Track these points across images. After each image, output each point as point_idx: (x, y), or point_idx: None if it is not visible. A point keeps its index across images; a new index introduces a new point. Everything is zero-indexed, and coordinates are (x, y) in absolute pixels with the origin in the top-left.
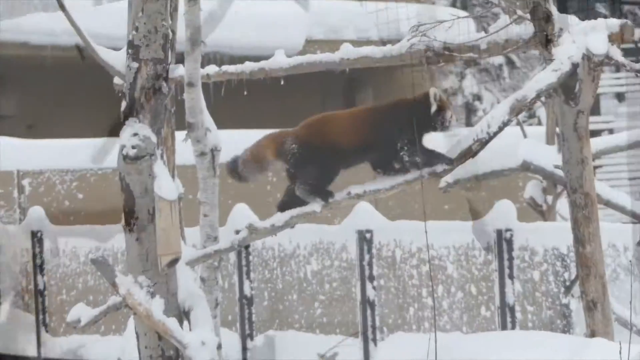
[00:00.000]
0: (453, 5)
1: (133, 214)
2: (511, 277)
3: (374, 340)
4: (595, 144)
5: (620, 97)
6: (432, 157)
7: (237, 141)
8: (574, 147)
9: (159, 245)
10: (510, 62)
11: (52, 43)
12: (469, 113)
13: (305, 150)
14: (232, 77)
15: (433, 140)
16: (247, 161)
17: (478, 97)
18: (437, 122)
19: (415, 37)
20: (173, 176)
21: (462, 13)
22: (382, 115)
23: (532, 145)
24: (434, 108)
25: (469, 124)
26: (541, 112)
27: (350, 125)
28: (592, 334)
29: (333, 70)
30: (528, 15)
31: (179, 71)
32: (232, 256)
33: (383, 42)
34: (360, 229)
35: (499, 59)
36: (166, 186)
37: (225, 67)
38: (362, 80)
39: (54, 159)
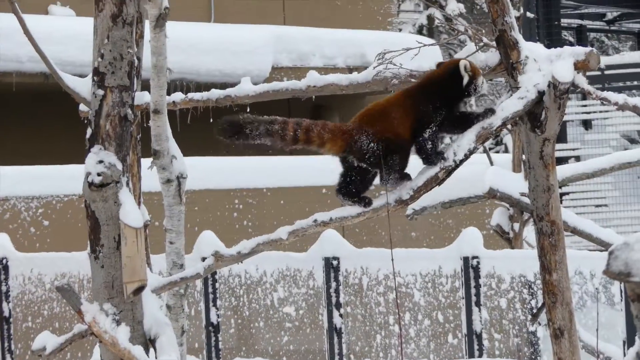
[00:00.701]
0: (419, 32)
1: (98, 241)
2: (478, 304)
3: None
4: (562, 171)
5: (586, 124)
6: (479, 114)
7: (203, 169)
8: (540, 174)
9: (124, 272)
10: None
11: (16, 70)
12: None
13: (385, 145)
14: (198, 104)
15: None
16: (275, 134)
17: None
18: (470, 90)
19: (381, 65)
20: (139, 203)
21: (429, 40)
22: (419, 97)
23: (498, 173)
24: (466, 80)
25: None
26: (508, 139)
27: (401, 113)
28: None
29: (299, 97)
30: (494, 43)
31: (145, 98)
32: (199, 283)
33: (349, 70)
34: (327, 256)
35: None
36: (132, 213)
37: (191, 95)
38: (329, 107)
39: (19, 186)
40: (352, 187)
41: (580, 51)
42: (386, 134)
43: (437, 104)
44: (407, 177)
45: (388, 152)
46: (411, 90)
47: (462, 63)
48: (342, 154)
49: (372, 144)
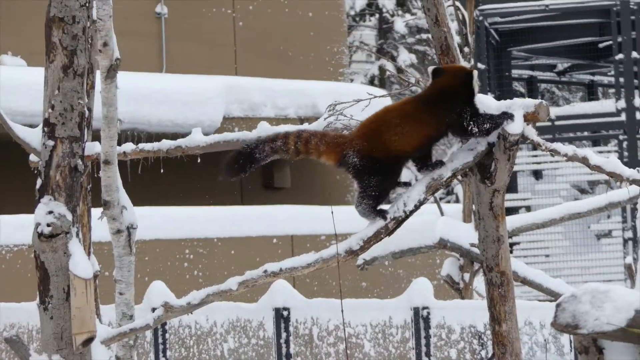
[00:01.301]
0: (371, 82)
1: (48, 292)
2: (428, 355)
3: None
4: (513, 221)
5: (537, 174)
6: (496, 118)
7: (154, 219)
8: (489, 225)
9: (73, 323)
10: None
11: None
12: None
13: (370, 163)
14: (149, 154)
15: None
16: (280, 150)
17: None
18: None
19: (332, 116)
20: (89, 253)
21: (380, 91)
22: (435, 106)
23: (449, 223)
24: (477, 90)
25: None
26: (459, 189)
27: (410, 127)
28: None
29: None
30: None
31: (95, 149)
32: (149, 334)
33: (301, 120)
34: (277, 306)
35: None
36: (81, 264)
37: (142, 145)
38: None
39: None
40: (368, 200)
41: (530, 103)
42: (372, 152)
43: (457, 111)
44: (380, 213)
45: (369, 171)
46: (427, 100)
47: (475, 73)
48: (339, 166)
49: (356, 159)
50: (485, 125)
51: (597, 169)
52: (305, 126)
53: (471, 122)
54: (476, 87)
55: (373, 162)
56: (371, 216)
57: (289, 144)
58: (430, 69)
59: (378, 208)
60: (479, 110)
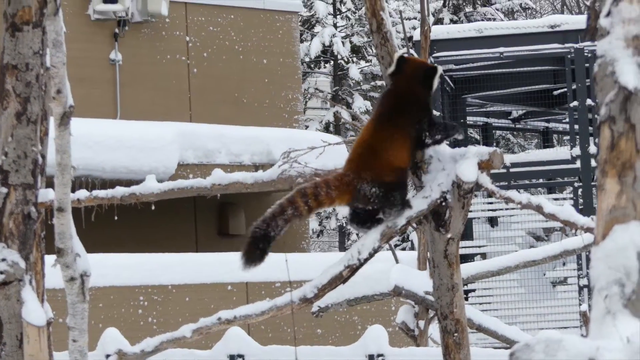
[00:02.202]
0: (326, 129)
1: (1, 339)
2: None
3: None
4: (468, 269)
5: (492, 221)
6: (449, 128)
7: (108, 265)
8: (444, 273)
9: None
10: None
11: None
12: (342, 236)
13: (386, 188)
14: (103, 201)
15: None
16: (293, 216)
17: None
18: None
19: (286, 164)
20: (42, 301)
21: (334, 139)
22: (407, 117)
23: (403, 270)
24: (436, 85)
25: (342, 248)
26: (414, 235)
27: (396, 144)
28: None
29: (205, 195)
30: None
31: (49, 196)
32: None
33: (256, 167)
34: (231, 353)
35: None
36: (35, 312)
37: (96, 192)
38: (235, 203)
39: None
40: (364, 216)
41: (484, 151)
42: (385, 178)
43: (420, 119)
44: (408, 204)
45: (390, 192)
46: (392, 111)
47: (439, 69)
48: (351, 204)
49: (374, 189)
50: (437, 136)
51: (552, 217)
52: (301, 184)
53: (427, 131)
54: (434, 85)
55: (387, 184)
56: (402, 213)
57: (300, 208)
58: (396, 55)
59: (404, 204)
60: (434, 119)
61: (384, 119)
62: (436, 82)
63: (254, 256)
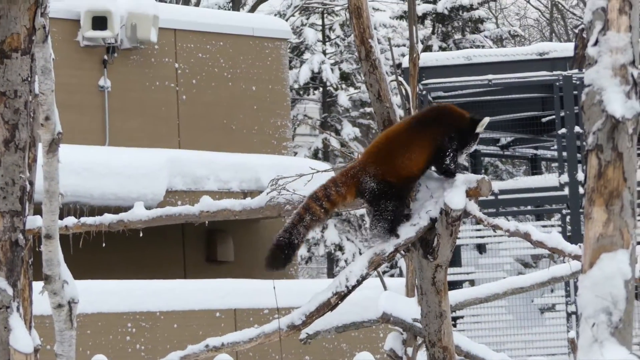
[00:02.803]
0: (315, 155)
1: None
2: None
3: None
4: (456, 296)
5: (481, 248)
6: (462, 170)
7: (96, 292)
8: (432, 300)
9: None
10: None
11: None
12: (331, 263)
13: (385, 188)
14: (91, 228)
15: None
16: (312, 221)
17: (340, 247)
18: (470, 143)
19: (274, 191)
20: (30, 328)
21: (323, 165)
22: (430, 129)
23: (392, 297)
24: (475, 141)
25: (330, 274)
26: (403, 262)
27: (417, 148)
28: None
29: (193, 222)
30: None
31: (37, 222)
32: None
33: (244, 194)
34: None
35: (360, 210)
36: (22, 339)
37: (83, 219)
38: (223, 230)
39: None
40: (383, 223)
41: (472, 178)
42: (387, 177)
43: (450, 141)
44: (395, 232)
45: (385, 196)
46: (430, 126)
47: (486, 119)
48: (357, 196)
49: (373, 184)
50: (452, 165)
51: (540, 244)
52: (312, 188)
53: (451, 153)
54: (476, 137)
55: (388, 187)
56: (386, 237)
57: (316, 213)
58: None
59: (393, 229)
60: (457, 158)
61: (418, 122)
62: (479, 133)
63: (278, 261)
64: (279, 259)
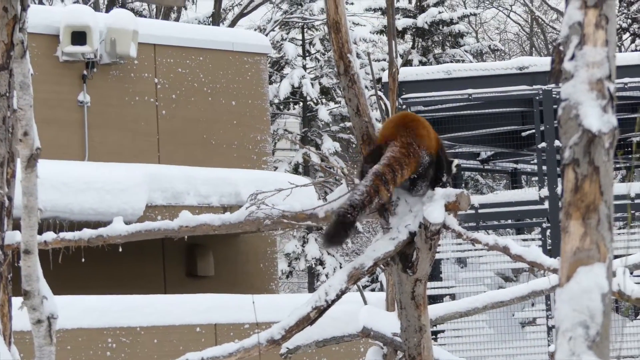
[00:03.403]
0: (295, 170)
1: None
2: None
3: None
4: (436, 310)
5: (461, 262)
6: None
7: (75, 307)
8: (411, 314)
9: None
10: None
11: None
12: (312, 277)
13: (431, 160)
14: (70, 244)
15: None
16: (377, 204)
17: (320, 262)
18: (443, 176)
19: (253, 205)
20: (9, 343)
21: (302, 180)
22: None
23: (372, 312)
24: (454, 170)
25: (311, 289)
26: (383, 276)
27: (433, 131)
28: None
29: (172, 237)
30: None
31: (16, 238)
32: None
33: (224, 208)
34: None
35: None
36: (2, 355)
37: (63, 234)
38: (203, 245)
39: None
40: (429, 187)
41: (451, 192)
42: (431, 150)
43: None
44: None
45: (434, 165)
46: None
47: (456, 161)
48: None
49: (428, 158)
50: (444, 177)
51: (519, 258)
52: (376, 167)
53: (446, 165)
54: (454, 168)
55: (433, 159)
56: (428, 194)
57: (384, 197)
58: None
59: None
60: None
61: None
62: (452, 171)
63: (339, 237)
64: (342, 235)
